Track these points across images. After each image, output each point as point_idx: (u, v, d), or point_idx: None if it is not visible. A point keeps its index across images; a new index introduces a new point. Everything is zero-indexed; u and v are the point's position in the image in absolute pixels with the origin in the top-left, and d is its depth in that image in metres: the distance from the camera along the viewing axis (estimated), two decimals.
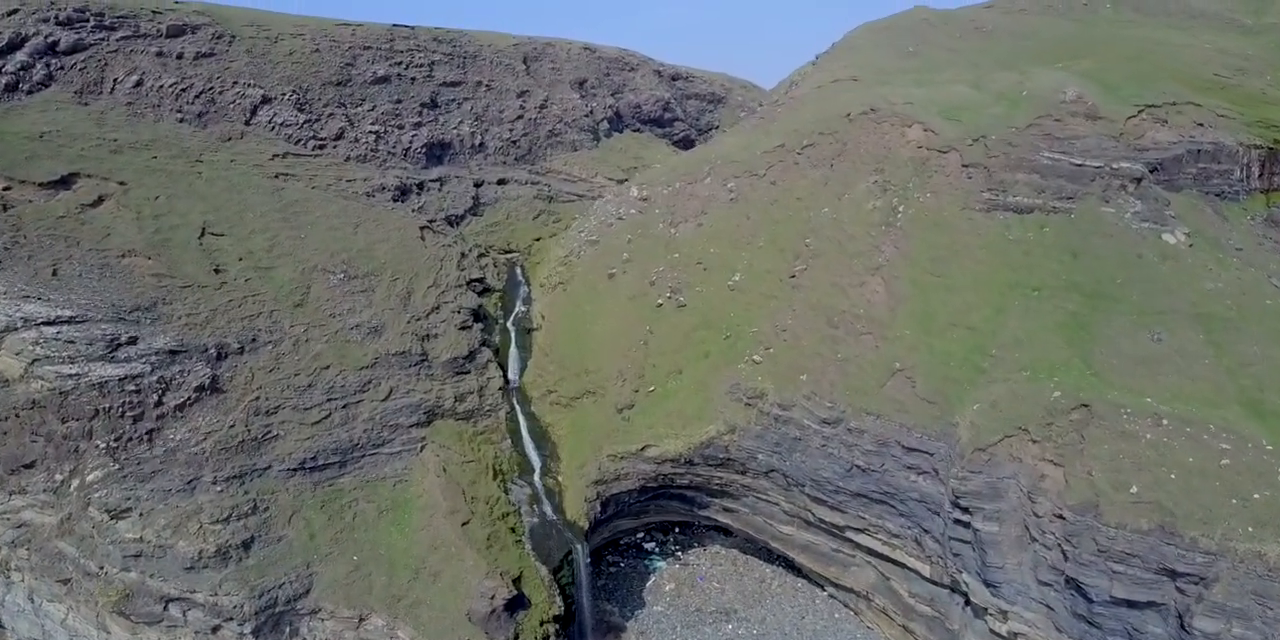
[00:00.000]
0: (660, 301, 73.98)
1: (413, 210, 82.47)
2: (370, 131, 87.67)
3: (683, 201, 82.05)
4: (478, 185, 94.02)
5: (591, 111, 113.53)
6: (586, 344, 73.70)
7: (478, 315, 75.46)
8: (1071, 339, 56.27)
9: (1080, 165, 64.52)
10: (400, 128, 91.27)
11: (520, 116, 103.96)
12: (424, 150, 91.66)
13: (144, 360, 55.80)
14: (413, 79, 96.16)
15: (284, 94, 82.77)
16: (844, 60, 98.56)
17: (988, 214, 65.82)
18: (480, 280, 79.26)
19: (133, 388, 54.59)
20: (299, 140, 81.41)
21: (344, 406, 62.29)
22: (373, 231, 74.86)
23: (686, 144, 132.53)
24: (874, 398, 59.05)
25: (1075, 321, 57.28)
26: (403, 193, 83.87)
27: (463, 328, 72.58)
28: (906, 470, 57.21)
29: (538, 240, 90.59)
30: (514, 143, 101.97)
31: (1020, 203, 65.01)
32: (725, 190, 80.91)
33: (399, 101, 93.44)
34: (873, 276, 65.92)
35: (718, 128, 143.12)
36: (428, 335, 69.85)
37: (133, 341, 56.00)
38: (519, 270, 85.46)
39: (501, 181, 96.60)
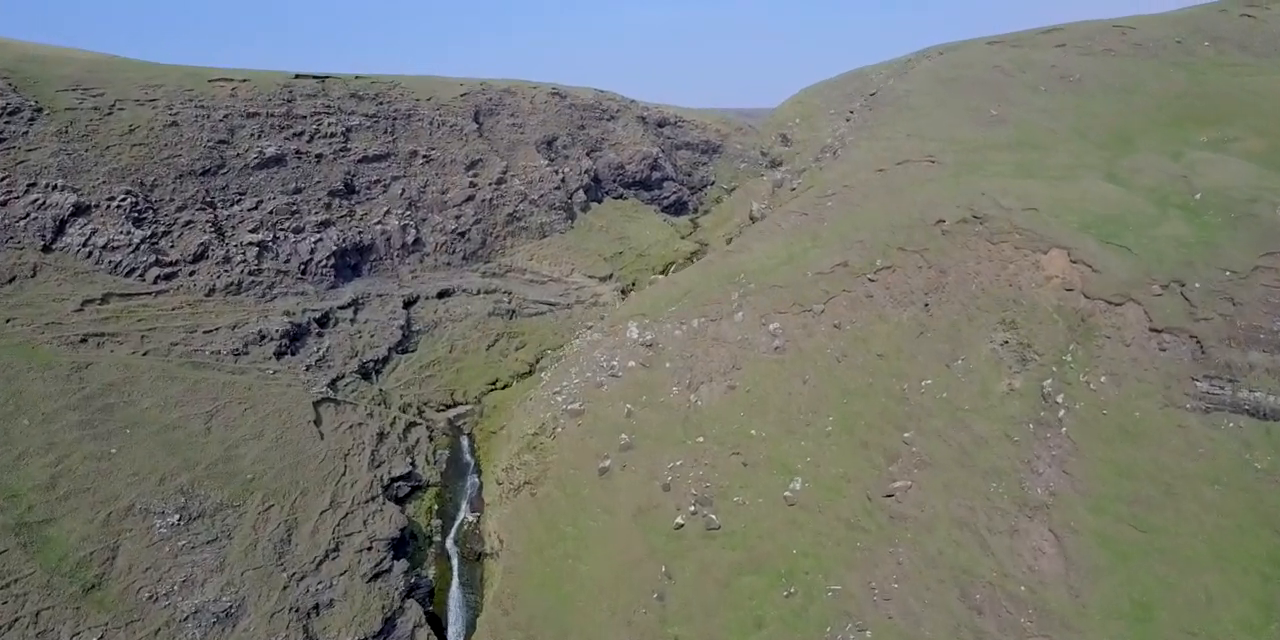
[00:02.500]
0: (680, 519, 49.45)
1: (306, 368, 56.03)
2: (250, 243, 60.90)
3: (704, 349, 57.03)
4: (409, 304, 67.81)
5: (564, 181, 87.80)
6: (567, 597, 48.24)
7: (400, 545, 49.61)
8: None
9: None
10: (298, 231, 64.62)
11: (470, 198, 77.78)
12: (332, 261, 65.07)
13: None
14: (319, 156, 69.51)
15: (113, 198, 55.66)
16: (902, 125, 74.13)
17: (1208, 418, 41.65)
18: (406, 476, 53.31)
19: None
20: (132, 270, 54.44)
21: None
22: (237, 424, 48.55)
23: (679, 208, 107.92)
24: None
25: None
26: (293, 339, 57.28)
27: (375, 577, 46.71)
28: None
29: (494, 387, 64.64)
30: (461, 235, 75.73)
31: (1262, 403, 40.95)
32: (765, 333, 56.13)
33: (297, 191, 66.77)
34: (1031, 520, 41.63)
35: (713, 183, 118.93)
36: (317, 606, 44.04)
37: None
38: (465, 443, 59.49)
39: (444, 294, 70.29)
